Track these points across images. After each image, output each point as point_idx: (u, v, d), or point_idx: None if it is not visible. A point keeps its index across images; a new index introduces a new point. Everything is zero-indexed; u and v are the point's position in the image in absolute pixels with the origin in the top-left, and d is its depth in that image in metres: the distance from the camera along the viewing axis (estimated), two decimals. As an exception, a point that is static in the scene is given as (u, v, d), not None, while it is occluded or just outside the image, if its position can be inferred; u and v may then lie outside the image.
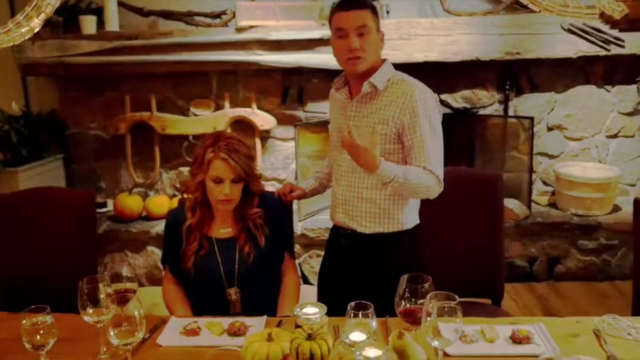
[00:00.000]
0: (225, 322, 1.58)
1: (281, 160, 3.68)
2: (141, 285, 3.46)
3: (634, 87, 3.54)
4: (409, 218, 1.84)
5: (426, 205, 1.88)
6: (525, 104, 3.58)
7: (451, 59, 3.29)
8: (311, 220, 3.42)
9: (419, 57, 3.27)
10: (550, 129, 3.64)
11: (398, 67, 1.84)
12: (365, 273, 1.82)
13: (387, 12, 3.37)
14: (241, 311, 1.83)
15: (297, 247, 3.26)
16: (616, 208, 3.47)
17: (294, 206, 2.23)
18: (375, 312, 1.28)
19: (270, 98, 3.58)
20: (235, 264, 1.85)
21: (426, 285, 1.34)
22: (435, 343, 1.25)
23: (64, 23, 3.38)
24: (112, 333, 1.29)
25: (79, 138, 3.71)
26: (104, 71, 3.38)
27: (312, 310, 1.36)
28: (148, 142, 3.61)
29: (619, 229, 3.32)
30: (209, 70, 3.48)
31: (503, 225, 2.17)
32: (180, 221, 1.88)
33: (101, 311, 1.41)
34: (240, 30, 3.30)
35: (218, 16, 3.50)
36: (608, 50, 3.27)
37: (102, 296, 1.42)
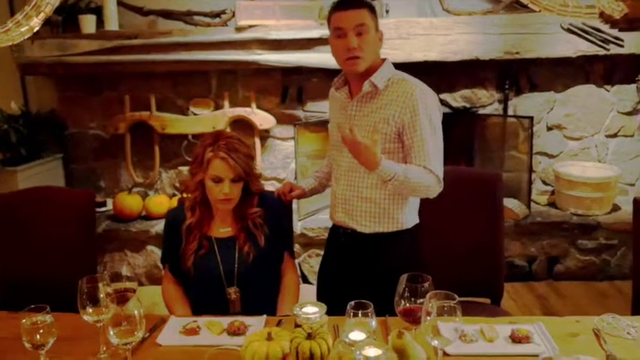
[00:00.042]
0: (225, 321, 1.58)
1: (280, 160, 3.68)
2: (140, 284, 3.46)
3: (633, 86, 3.55)
4: (409, 218, 1.84)
5: (425, 205, 1.88)
6: (525, 104, 3.58)
7: (450, 59, 3.30)
8: (310, 219, 3.42)
9: (418, 56, 3.27)
10: (549, 128, 3.64)
11: (397, 66, 1.84)
12: (365, 272, 1.82)
13: (387, 11, 3.37)
14: (241, 311, 1.83)
15: (296, 247, 3.26)
16: (615, 208, 3.47)
17: (294, 206, 2.23)
18: (374, 311, 1.28)
19: (270, 98, 3.58)
20: (235, 263, 1.85)
21: (426, 284, 1.34)
22: (435, 343, 1.25)
23: (63, 22, 3.38)
24: (111, 332, 1.29)
25: (78, 137, 3.71)
26: (103, 71, 3.38)
27: (311, 310, 1.36)
28: (147, 142, 3.61)
29: (618, 229, 3.32)
30: (208, 69, 3.48)
31: (502, 224, 2.17)
32: (180, 221, 1.88)
33: (101, 310, 1.41)
34: (239, 29, 3.30)
35: (217, 15, 3.50)
36: (608, 50, 3.27)
37: (101, 296, 1.42)
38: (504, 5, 3.39)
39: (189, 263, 1.85)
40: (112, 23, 3.38)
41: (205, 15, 3.50)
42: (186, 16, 3.51)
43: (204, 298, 1.86)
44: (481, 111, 3.61)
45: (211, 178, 1.78)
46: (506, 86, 3.52)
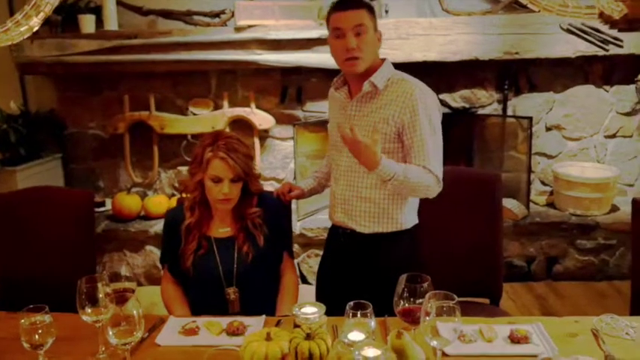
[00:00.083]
0: (224, 321, 1.58)
1: (280, 160, 3.68)
2: (139, 284, 3.45)
3: (632, 87, 3.55)
4: (408, 218, 1.84)
5: (424, 205, 1.88)
6: (524, 104, 3.58)
7: (450, 59, 3.30)
8: (310, 219, 3.42)
9: (418, 57, 3.27)
10: (548, 129, 3.64)
11: (397, 66, 1.84)
12: (364, 273, 1.82)
13: (386, 11, 3.37)
14: (240, 311, 1.82)
15: (295, 247, 3.26)
16: (614, 208, 3.48)
17: (293, 206, 2.23)
18: (373, 311, 1.28)
19: (269, 98, 3.58)
20: (234, 263, 1.85)
21: (425, 284, 1.34)
22: (434, 343, 1.25)
23: (62, 22, 3.38)
24: (110, 332, 1.29)
25: (77, 137, 3.70)
26: (103, 70, 3.38)
27: (310, 310, 1.36)
28: (146, 142, 3.61)
29: (617, 229, 3.32)
30: (208, 69, 3.48)
31: (501, 225, 2.17)
32: (179, 221, 1.88)
33: (100, 311, 1.41)
34: (239, 29, 3.30)
35: (217, 15, 3.50)
36: (607, 50, 3.27)
37: (100, 296, 1.42)
38: (503, 5, 3.39)
39: (188, 263, 1.85)
40: (111, 23, 3.38)
41: (205, 15, 3.50)
42: (185, 16, 3.51)
43: (204, 299, 1.85)
44: (480, 111, 3.61)
45: (211, 178, 1.78)
46: (506, 86, 3.52)
